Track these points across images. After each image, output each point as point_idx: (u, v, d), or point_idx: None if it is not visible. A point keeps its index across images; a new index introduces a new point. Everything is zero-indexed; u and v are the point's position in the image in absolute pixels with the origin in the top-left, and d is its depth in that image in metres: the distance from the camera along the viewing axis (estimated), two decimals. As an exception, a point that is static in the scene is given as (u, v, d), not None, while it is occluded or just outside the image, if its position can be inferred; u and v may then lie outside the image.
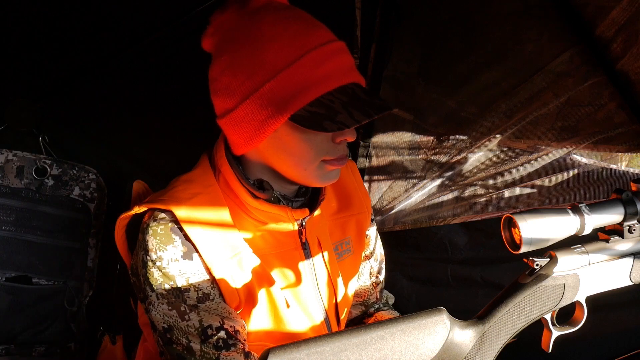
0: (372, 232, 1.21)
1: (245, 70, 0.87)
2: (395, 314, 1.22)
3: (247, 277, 0.94)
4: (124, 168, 1.59)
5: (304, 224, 1.00)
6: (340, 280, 1.08)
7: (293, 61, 0.86)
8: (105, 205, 1.57)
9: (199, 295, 0.91)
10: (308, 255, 1.02)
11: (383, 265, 1.26)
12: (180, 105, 1.56)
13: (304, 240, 1.02)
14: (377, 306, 1.26)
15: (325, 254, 1.05)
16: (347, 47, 0.93)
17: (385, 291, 1.28)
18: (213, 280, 0.92)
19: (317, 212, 1.02)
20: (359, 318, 1.25)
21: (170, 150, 1.61)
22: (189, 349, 0.90)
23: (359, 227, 1.15)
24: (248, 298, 0.95)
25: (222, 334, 0.90)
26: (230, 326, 0.92)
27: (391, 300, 1.29)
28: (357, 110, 0.87)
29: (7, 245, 1.48)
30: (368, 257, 1.22)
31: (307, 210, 0.99)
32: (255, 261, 0.95)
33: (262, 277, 0.95)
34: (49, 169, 1.51)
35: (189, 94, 1.53)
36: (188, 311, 0.90)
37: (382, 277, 1.26)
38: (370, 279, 1.24)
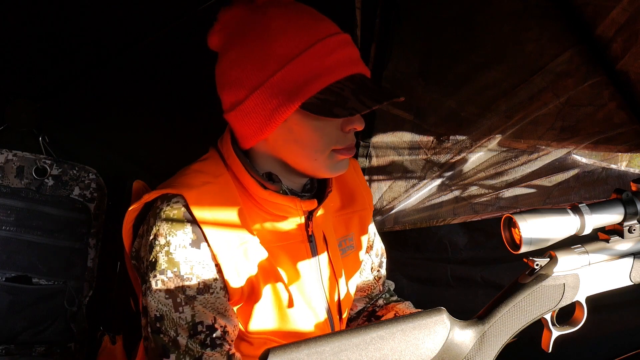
0: (371, 228, 1.23)
1: (254, 62, 0.88)
2: (411, 305, 1.23)
3: (252, 269, 0.94)
4: (124, 168, 1.59)
5: (311, 217, 1.01)
6: (343, 275, 1.09)
7: (303, 50, 0.87)
8: (105, 205, 1.57)
9: (200, 287, 0.91)
10: (314, 248, 1.03)
11: (384, 259, 1.28)
12: (181, 105, 1.56)
13: (310, 233, 1.02)
14: (385, 296, 1.27)
15: (331, 248, 1.06)
16: (352, 39, 0.94)
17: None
18: (218, 272, 0.92)
19: (321, 212, 1.03)
20: (370, 312, 1.25)
21: (171, 150, 1.61)
22: (175, 342, 0.89)
23: (362, 224, 1.16)
24: (251, 292, 0.95)
25: (211, 332, 0.90)
26: (222, 326, 0.92)
27: (392, 287, 1.30)
28: (366, 97, 0.88)
29: (7, 245, 1.47)
30: (368, 251, 1.23)
31: (315, 202, 1.00)
32: (263, 254, 0.95)
33: (268, 272, 0.96)
34: (49, 169, 1.51)
35: (189, 93, 1.53)
36: (184, 304, 0.90)
37: (383, 270, 1.27)
38: (372, 273, 1.25)
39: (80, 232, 1.54)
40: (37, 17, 1.38)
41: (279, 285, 0.97)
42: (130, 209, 0.96)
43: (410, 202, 1.70)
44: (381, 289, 1.27)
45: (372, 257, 1.24)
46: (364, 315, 1.26)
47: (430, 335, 0.73)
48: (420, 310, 1.14)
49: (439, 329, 0.74)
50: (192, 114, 1.55)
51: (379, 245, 1.27)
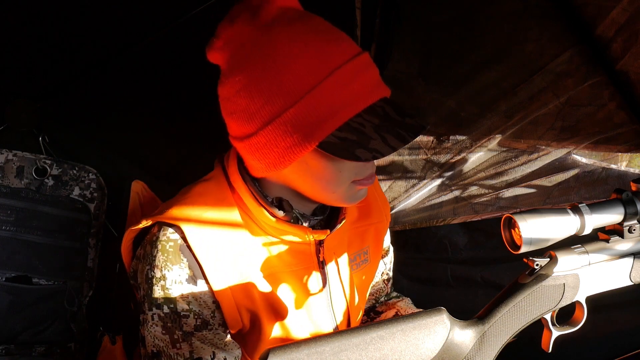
0: (387, 235, 1.20)
1: (263, 94, 0.80)
2: (410, 303, 1.21)
3: (253, 305, 0.91)
4: (124, 168, 1.59)
5: (322, 242, 0.96)
6: (355, 293, 1.06)
7: (317, 83, 0.78)
8: (105, 205, 1.57)
9: (197, 323, 0.87)
10: (324, 273, 0.99)
11: (392, 259, 1.26)
12: (181, 105, 1.56)
13: (321, 259, 0.98)
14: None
15: (343, 269, 1.02)
16: (370, 57, 0.86)
17: None
18: (216, 308, 0.89)
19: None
20: (370, 307, 1.24)
21: (171, 151, 1.61)
22: None
23: (377, 236, 1.12)
24: (254, 326, 0.92)
25: None
26: (221, 359, 0.89)
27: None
28: (390, 135, 0.81)
29: (7, 245, 1.47)
30: (382, 257, 1.21)
31: (326, 231, 0.95)
32: (266, 288, 0.91)
33: (272, 306, 0.92)
34: (49, 169, 1.51)
35: (189, 93, 1.53)
36: (181, 340, 0.86)
37: (391, 272, 1.26)
38: (382, 277, 1.23)
39: (80, 232, 1.54)
40: (37, 17, 1.38)
41: (288, 323, 0.94)
42: (129, 229, 0.92)
43: (410, 202, 1.70)
44: (388, 291, 1.25)
45: (387, 262, 1.22)
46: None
47: (430, 335, 0.73)
48: (420, 309, 1.16)
49: (439, 329, 0.74)
50: (192, 114, 1.55)
51: (392, 248, 1.24)
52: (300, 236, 0.93)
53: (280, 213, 0.90)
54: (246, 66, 0.82)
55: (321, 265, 0.98)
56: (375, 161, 0.91)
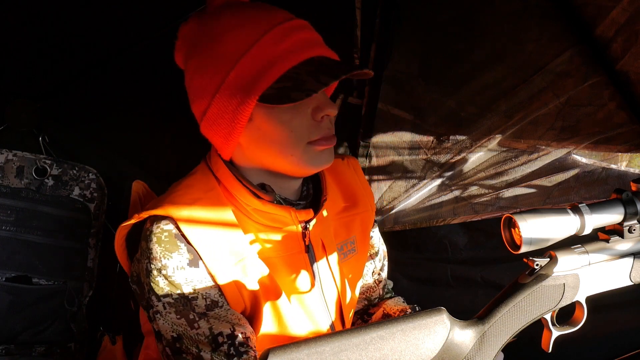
0: (375, 232, 1.21)
1: (210, 68, 0.87)
2: (401, 300, 1.22)
3: (252, 285, 0.92)
4: (124, 168, 1.59)
5: (308, 226, 0.98)
6: (345, 282, 1.07)
7: (252, 44, 0.85)
8: (105, 205, 1.57)
9: (207, 303, 0.88)
10: (312, 258, 1.00)
11: (385, 262, 1.26)
12: (181, 105, 1.56)
13: (307, 243, 0.99)
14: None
15: (331, 256, 1.03)
16: (310, 25, 0.92)
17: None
18: (220, 287, 0.90)
19: (318, 220, 1.00)
20: (363, 309, 1.24)
21: (171, 151, 1.61)
22: (200, 359, 0.87)
23: (364, 226, 1.14)
24: (252, 309, 0.93)
25: (233, 341, 0.87)
26: (242, 332, 0.89)
27: (390, 285, 1.29)
28: (324, 75, 0.85)
29: (7, 245, 1.47)
30: (372, 257, 1.22)
31: (311, 212, 0.97)
32: (262, 269, 0.93)
33: (268, 288, 0.93)
34: (49, 169, 1.51)
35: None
36: (197, 319, 0.87)
37: (384, 274, 1.25)
38: (373, 276, 1.23)
39: (80, 232, 1.54)
40: (37, 17, 1.38)
41: (280, 300, 0.94)
42: (121, 225, 0.93)
43: (410, 202, 1.70)
44: (381, 293, 1.25)
45: (375, 262, 1.22)
46: (357, 313, 1.25)
47: (430, 335, 0.73)
48: (412, 305, 1.15)
49: (439, 329, 0.74)
50: (192, 114, 1.55)
51: (382, 249, 1.25)
52: (285, 218, 0.95)
53: (264, 194, 0.93)
54: (196, 51, 0.91)
55: (307, 249, 1.00)
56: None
